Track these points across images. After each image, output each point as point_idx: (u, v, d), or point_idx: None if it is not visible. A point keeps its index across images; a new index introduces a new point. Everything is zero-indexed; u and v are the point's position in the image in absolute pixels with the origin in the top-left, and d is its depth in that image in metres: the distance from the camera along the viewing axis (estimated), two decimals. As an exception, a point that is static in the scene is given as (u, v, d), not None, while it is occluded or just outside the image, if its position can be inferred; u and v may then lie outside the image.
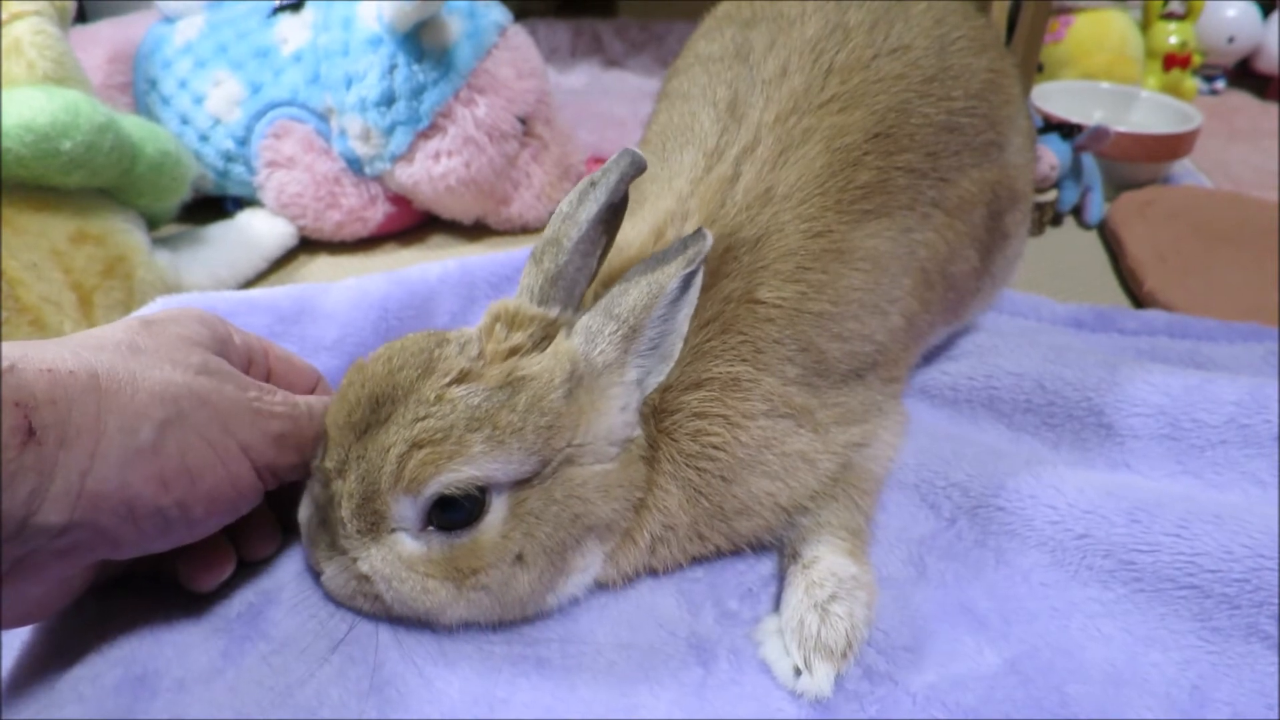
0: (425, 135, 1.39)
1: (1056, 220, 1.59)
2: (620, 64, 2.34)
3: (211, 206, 1.51)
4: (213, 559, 0.66)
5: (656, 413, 0.72)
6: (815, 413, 0.75)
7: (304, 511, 0.67)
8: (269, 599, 0.68)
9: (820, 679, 0.65)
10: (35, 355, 0.51)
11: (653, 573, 0.75)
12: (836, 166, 0.77)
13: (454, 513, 0.62)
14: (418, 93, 1.35)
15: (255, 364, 0.71)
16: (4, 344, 0.51)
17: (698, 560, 0.76)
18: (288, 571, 0.71)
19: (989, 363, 0.97)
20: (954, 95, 0.83)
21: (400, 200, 1.48)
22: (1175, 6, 2.13)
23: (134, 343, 0.58)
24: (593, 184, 0.71)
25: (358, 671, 0.63)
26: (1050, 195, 1.53)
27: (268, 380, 0.72)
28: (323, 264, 1.45)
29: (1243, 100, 2.31)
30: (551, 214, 0.72)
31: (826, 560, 0.72)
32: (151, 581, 0.67)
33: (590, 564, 0.70)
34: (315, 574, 0.68)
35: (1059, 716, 0.64)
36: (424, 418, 0.61)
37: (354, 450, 0.63)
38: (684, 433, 0.71)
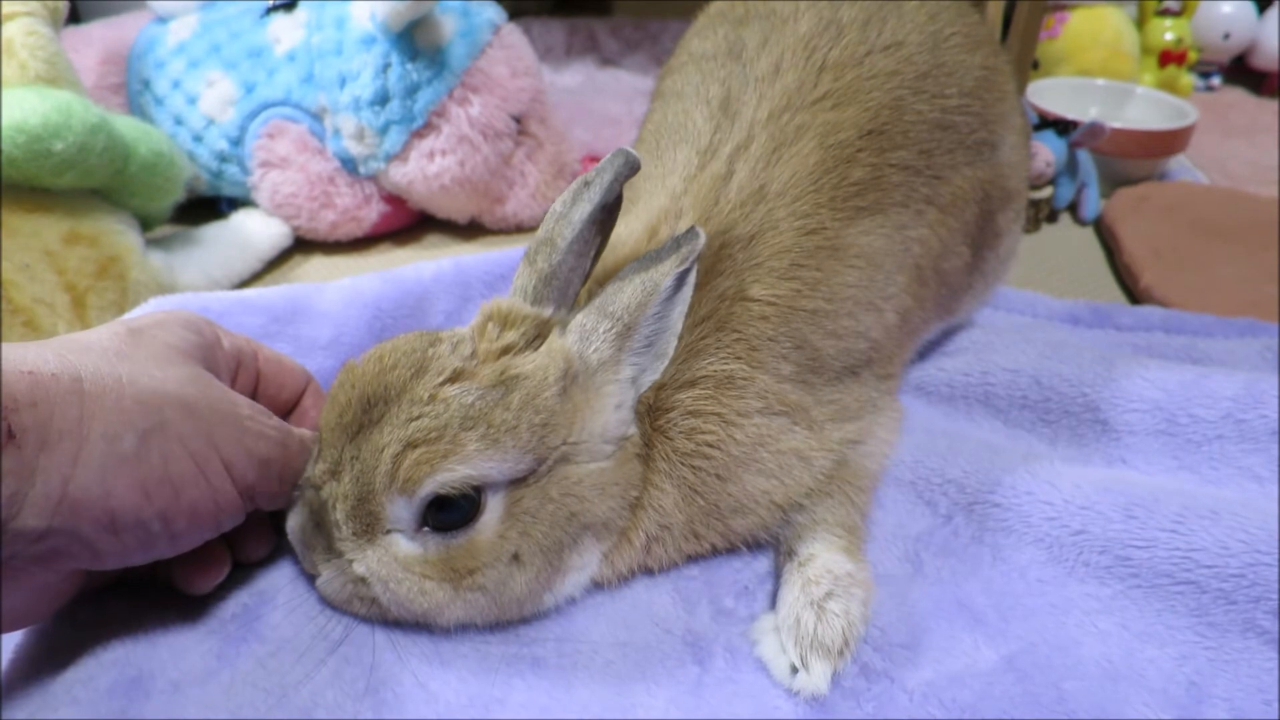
0: (419, 134, 1.38)
1: (1052, 216, 1.59)
2: (615, 62, 2.33)
3: (206, 207, 1.51)
4: (207, 561, 0.65)
5: (651, 411, 0.71)
6: (810, 410, 0.75)
7: (293, 521, 0.67)
8: (264, 600, 0.68)
9: (817, 677, 0.65)
10: (16, 357, 0.50)
11: (648, 571, 0.75)
12: (830, 163, 0.77)
13: (450, 513, 0.62)
14: (412, 92, 1.35)
15: (244, 366, 0.70)
16: None
17: (693, 559, 0.76)
18: (282, 573, 0.70)
19: (985, 359, 0.97)
20: (948, 92, 0.83)
21: (395, 200, 1.48)
22: (1171, 3, 2.13)
23: (120, 348, 0.57)
24: (587, 184, 0.70)
25: (353, 673, 0.63)
26: (1046, 191, 1.53)
27: (257, 381, 0.72)
28: (317, 264, 1.45)
29: (1238, 96, 2.31)
30: (546, 213, 0.71)
31: (822, 558, 0.72)
32: (145, 584, 0.67)
33: (587, 563, 0.70)
34: (310, 578, 0.67)
35: (1056, 713, 0.64)
36: (418, 417, 0.61)
37: (347, 451, 0.63)
38: (679, 431, 0.71)
